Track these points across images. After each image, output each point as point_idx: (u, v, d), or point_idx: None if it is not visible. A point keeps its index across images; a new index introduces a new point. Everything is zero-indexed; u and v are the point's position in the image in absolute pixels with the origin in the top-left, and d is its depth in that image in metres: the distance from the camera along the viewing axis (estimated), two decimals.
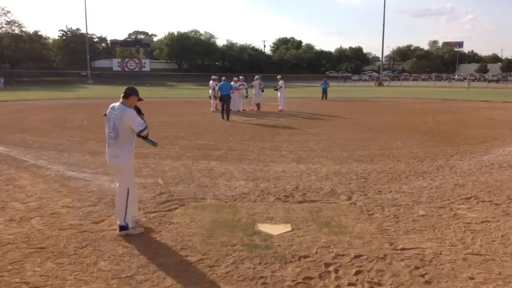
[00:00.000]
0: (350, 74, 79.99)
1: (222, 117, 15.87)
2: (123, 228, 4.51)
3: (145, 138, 4.56)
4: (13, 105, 22.42)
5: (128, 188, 4.49)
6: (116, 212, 4.63)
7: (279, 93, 19.79)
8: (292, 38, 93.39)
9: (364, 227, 4.78)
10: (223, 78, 17.67)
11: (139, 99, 4.56)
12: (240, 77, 20.61)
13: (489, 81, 64.09)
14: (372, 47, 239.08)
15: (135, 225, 4.64)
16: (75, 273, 3.64)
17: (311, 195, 6.02)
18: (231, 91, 16.65)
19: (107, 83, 52.39)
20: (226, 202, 5.70)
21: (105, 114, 4.55)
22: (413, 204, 5.58)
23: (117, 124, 4.34)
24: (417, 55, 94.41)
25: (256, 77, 20.78)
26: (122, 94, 4.45)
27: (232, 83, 18.38)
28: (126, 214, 4.49)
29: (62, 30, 67.28)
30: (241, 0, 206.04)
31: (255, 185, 6.56)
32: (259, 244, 4.28)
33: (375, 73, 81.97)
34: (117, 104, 4.43)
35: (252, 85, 20.06)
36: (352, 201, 5.75)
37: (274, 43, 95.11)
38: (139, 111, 4.54)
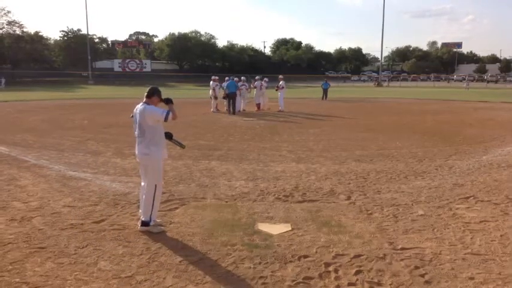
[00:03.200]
0: (349, 75, 79.93)
1: (229, 113, 18.05)
2: (144, 224, 4.58)
3: (171, 139, 4.74)
4: (14, 105, 22.42)
5: (155, 185, 4.57)
6: (141, 207, 4.68)
7: (279, 93, 19.83)
8: (292, 39, 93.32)
9: (363, 226, 4.79)
10: (226, 78, 19.05)
11: (161, 101, 4.64)
12: (242, 78, 20.76)
13: (488, 81, 64.03)
14: (371, 48, 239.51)
15: (154, 223, 4.66)
16: (76, 273, 3.65)
17: (310, 195, 6.04)
18: (236, 89, 18.30)
19: (107, 84, 52.44)
20: (226, 202, 5.72)
21: (132, 116, 4.71)
22: (412, 204, 5.60)
23: (142, 122, 4.51)
24: (416, 56, 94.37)
25: (256, 77, 20.92)
26: (145, 94, 4.58)
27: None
28: (152, 211, 4.58)
29: (63, 31, 67.32)
30: (241, 1, 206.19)
31: (255, 184, 6.57)
32: (259, 244, 4.29)
33: (374, 73, 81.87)
34: (141, 104, 4.58)
35: (254, 86, 20.23)
36: (352, 200, 5.77)
37: (274, 44, 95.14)
38: (169, 101, 4.61)
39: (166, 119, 4.47)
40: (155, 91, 4.60)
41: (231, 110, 18.09)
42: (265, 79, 21.03)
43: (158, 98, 4.62)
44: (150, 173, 4.59)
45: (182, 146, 5.00)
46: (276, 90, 20.24)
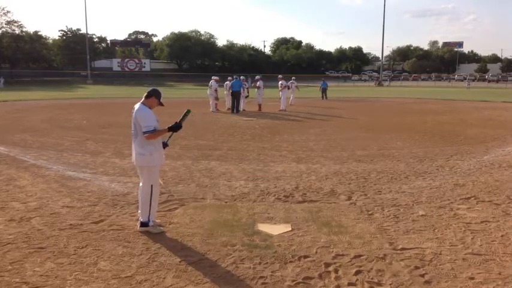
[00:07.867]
0: (350, 74, 79.94)
1: (232, 111, 18.41)
2: (143, 224, 4.56)
3: (175, 129, 4.47)
4: (13, 105, 22.42)
5: (151, 186, 4.54)
6: (139, 208, 4.65)
7: (280, 93, 19.84)
8: (292, 38, 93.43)
9: (364, 227, 4.78)
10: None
11: (160, 104, 4.58)
12: (241, 77, 20.78)
13: (489, 81, 64.08)
14: (372, 47, 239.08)
15: (153, 224, 4.65)
16: (75, 273, 3.63)
17: (311, 195, 6.02)
18: (240, 88, 18.87)
19: (106, 83, 52.45)
20: (226, 202, 5.71)
21: None
22: (413, 204, 5.59)
23: (135, 123, 4.46)
24: (417, 55, 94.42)
25: (257, 77, 20.93)
26: (145, 94, 4.54)
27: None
28: (149, 211, 4.56)
29: (62, 30, 67.44)
30: (241, 0, 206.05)
31: (255, 185, 6.56)
32: (259, 244, 4.28)
33: (374, 73, 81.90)
34: (138, 103, 4.54)
35: (257, 86, 20.19)
36: (352, 201, 5.76)
37: (273, 43, 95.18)
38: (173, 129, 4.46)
39: (144, 133, 4.36)
40: (154, 93, 4.53)
41: (235, 108, 18.35)
42: (293, 78, 21.33)
43: (157, 100, 4.54)
44: (146, 173, 4.54)
45: (187, 112, 4.62)
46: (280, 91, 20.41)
